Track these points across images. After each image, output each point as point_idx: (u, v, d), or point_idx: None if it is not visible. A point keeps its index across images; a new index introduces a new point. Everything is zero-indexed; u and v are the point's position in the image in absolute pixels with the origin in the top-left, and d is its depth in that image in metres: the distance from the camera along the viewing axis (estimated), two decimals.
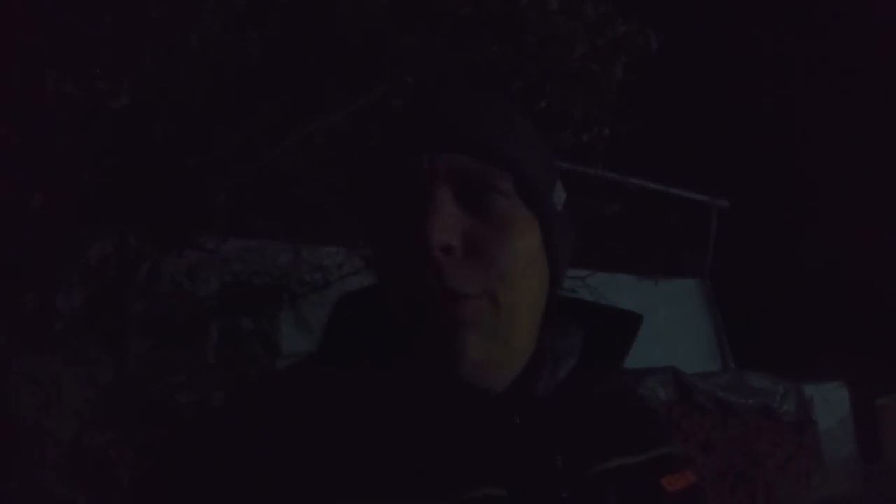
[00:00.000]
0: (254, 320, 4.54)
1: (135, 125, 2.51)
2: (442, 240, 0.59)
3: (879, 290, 7.12)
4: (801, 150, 7.51)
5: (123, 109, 2.37)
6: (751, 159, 7.59)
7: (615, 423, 0.71)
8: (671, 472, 0.71)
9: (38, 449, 2.26)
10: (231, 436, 0.61)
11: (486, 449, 0.61)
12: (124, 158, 2.59)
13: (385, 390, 0.63)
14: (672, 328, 5.54)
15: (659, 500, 0.68)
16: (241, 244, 4.36)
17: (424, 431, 0.61)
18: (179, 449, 0.67)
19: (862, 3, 7.38)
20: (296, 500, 0.57)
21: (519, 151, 0.65)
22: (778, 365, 5.15)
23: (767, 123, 7.80)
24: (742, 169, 7.31)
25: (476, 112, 0.65)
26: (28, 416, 2.16)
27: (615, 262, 5.01)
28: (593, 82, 4.33)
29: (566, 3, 4.03)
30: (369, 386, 0.63)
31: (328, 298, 4.70)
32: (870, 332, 7.23)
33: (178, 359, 3.47)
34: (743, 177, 7.11)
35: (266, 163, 3.26)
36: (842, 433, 5.25)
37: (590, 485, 0.64)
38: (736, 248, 6.62)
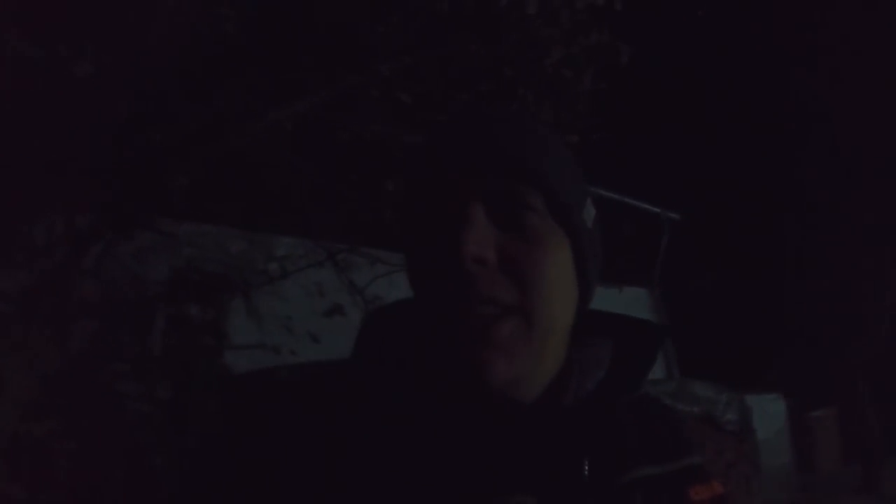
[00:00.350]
0: (203, 309, 4.36)
1: (97, 95, 2.35)
2: (475, 252, 0.60)
3: (818, 308, 7.51)
4: (751, 168, 7.83)
5: (86, 78, 2.21)
6: (703, 174, 7.86)
7: (643, 433, 0.72)
8: (699, 483, 0.72)
9: None
10: (261, 444, 0.62)
11: (515, 458, 0.62)
12: (82, 130, 2.42)
13: (417, 402, 0.64)
14: None
15: None
16: (195, 228, 4.17)
17: (455, 441, 0.62)
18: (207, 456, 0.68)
19: (822, 23, 7.75)
20: None
21: (550, 170, 0.66)
22: (719, 375, 5.34)
23: (719, 140, 8.10)
24: (694, 183, 7.56)
25: (508, 132, 0.67)
26: None
27: None
28: (565, 88, 4.36)
29: (544, 8, 4.04)
30: (402, 397, 0.64)
31: (285, 290, 4.56)
32: (808, 346, 7.60)
33: (123, 346, 3.29)
34: (695, 191, 7.36)
35: (232, 146, 3.12)
36: (779, 443, 5.49)
37: (617, 494, 0.66)
38: (685, 260, 6.84)
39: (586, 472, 0.65)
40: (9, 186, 2.21)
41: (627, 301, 6.43)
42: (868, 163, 7.51)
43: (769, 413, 5.54)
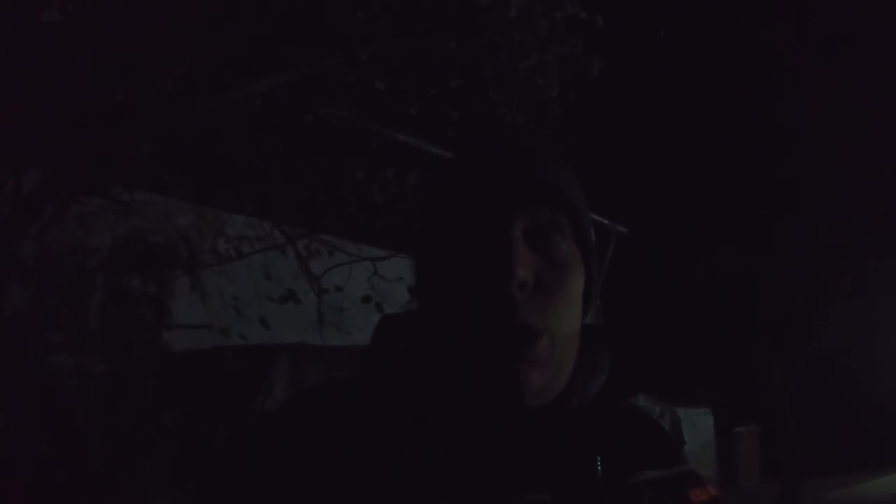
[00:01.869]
0: (145, 282, 4.16)
1: (60, 45, 2.19)
2: (520, 276, 0.64)
3: (746, 326, 7.84)
4: (695, 187, 8.10)
5: (52, 24, 2.05)
6: (652, 190, 8.09)
7: (643, 438, 0.77)
8: (697, 486, 0.77)
9: None
10: (281, 452, 0.64)
11: (530, 459, 0.66)
12: (41, 84, 2.25)
13: (437, 409, 0.67)
14: None
15: None
16: (145, 197, 3.96)
17: (472, 444, 0.65)
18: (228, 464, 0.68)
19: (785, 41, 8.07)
20: None
21: (577, 198, 0.71)
22: (652, 387, 5.50)
23: (669, 156, 8.34)
24: (643, 199, 7.77)
25: (548, 160, 0.71)
26: None
27: None
28: (535, 95, 4.39)
29: (524, 14, 4.05)
30: (422, 405, 0.67)
31: (234, 271, 4.40)
32: (735, 364, 7.92)
33: (59, 315, 3.10)
34: (643, 206, 7.56)
35: (198, 114, 2.98)
36: (705, 455, 5.68)
37: (626, 493, 0.70)
38: (627, 274, 7.02)
39: (599, 472, 0.68)
40: None
41: None
42: (810, 187, 7.89)
43: (697, 426, 5.74)
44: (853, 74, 7.82)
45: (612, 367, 0.76)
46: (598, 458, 0.69)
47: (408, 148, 4.25)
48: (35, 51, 2.07)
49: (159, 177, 3.75)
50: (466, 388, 0.67)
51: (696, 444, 5.70)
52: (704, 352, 7.76)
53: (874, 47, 7.77)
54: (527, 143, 0.73)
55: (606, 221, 7.24)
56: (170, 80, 2.75)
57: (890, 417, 10.67)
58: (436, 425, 0.66)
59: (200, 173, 3.93)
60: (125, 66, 2.55)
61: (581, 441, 0.69)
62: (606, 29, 4.29)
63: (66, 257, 3.25)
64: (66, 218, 3.04)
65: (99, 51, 2.41)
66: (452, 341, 0.67)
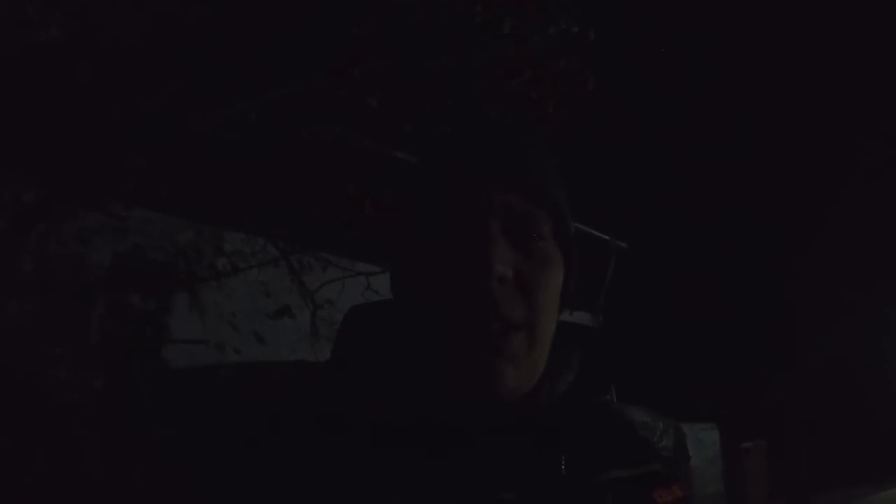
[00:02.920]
0: (144, 299, 4.19)
1: (60, 63, 2.25)
2: (501, 270, 0.63)
3: (753, 341, 7.80)
4: (697, 204, 8.14)
5: (52, 43, 2.11)
6: (654, 207, 8.12)
7: (609, 437, 0.76)
8: (661, 487, 0.76)
9: None
10: (248, 441, 0.64)
11: (494, 456, 0.65)
12: (41, 100, 2.31)
13: (400, 400, 0.66)
14: None
15: None
16: (144, 214, 4.02)
17: (438, 440, 0.64)
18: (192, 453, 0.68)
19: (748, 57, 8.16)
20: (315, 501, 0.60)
21: (560, 196, 0.70)
22: (656, 402, 5.46)
23: (672, 174, 8.39)
24: (644, 213, 7.81)
25: (529, 153, 0.70)
26: None
27: None
28: (530, 109, 4.42)
29: (517, 29, 4.11)
30: (385, 395, 0.66)
31: (231, 287, 4.44)
32: (742, 379, 7.87)
33: (58, 330, 3.12)
34: (644, 223, 7.59)
35: (194, 131, 3.04)
36: (711, 472, 5.62)
37: (591, 493, 0.69)
38: (630, 289, 7.02)
39: (563, 470, 0.67)
40: None
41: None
42: (808, 202, 7.91)
43: (703, 442, 5.68)
44: None
45: (581, 365, 0.75)
46: (563, 457, 0.68)
47: (403, 164, 4.30)
48: (34, 68, 2.13)
49: (156, 192, 3.81)
50: (437, 382, 0.65)
51: (702, 460, 5.63)
52: (709, 366, 7.73)
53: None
54: (511, 136, 0.71)
55: (607, 237, 7.26)
56: (166, 96, 2.82)
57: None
58: (402, 419, 0.64)
59: (198, 190, 3.98)
60: (121, 82, 2.61)
61: (546, 440, 0.68)
62: (600, 44, 4.35)
63: (65, 272, 3.29)
64: (64, 233, 3.09)
65: (96, 67, 2.47)
66: (427, 334, 0.66)
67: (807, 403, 7.95)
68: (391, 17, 3.68)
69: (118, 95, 2.66)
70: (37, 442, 2.68)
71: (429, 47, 3.88)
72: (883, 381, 10.59)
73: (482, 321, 0.63)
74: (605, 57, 4.57)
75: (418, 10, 3.79)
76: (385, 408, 0.65)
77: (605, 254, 6.75)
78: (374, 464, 0.61)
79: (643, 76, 7.96)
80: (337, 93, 3.57)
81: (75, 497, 2.67)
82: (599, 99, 4.80)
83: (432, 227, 0.67)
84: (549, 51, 4.23)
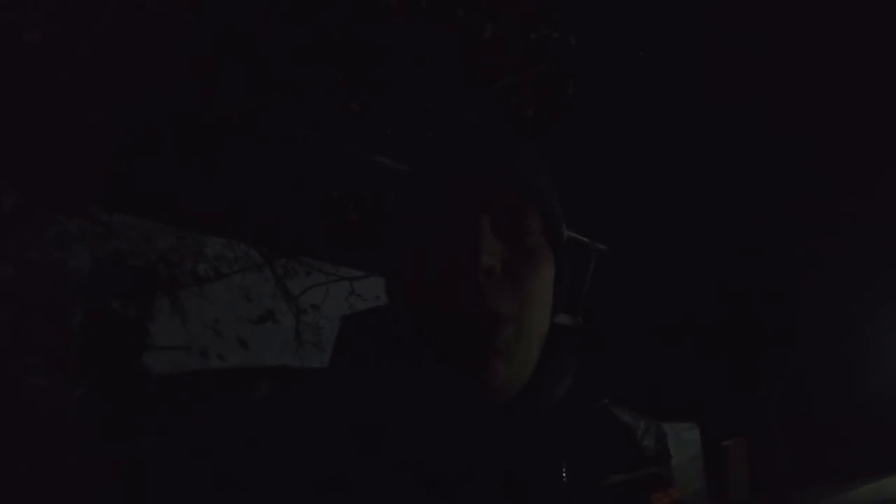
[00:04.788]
0: (125, 304, 4.15)
1: (41, 66, 2.23)
2: (488, 262, 0.63)
3: (732, 339, 7.91)
4: (674, 200, 8.24)
5: (33, 46, 2.10)
6: (633, 207, 8.22)
7: (608, 442, 0.77)
8: (659, 490, 0.77)
9: None
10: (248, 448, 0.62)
11: (495, 460, 0.64)
12: (20, 102, 2.29)
13: (399, 406, 0.65)
14: None
15: None
16: (125, 220, 3.98)
17: (437, 444, 0.63)
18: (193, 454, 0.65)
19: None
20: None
21: (549, 194, 0.70)
22: (637, 402, 5.51)
23: (649, 169, 8.49)
24: (624, 216, 7.90)
25: (518, 150, 0.70)
26: None
27: None
28: (510, 115, 4.46)
29: (498, 35, 4.14)
30: (384, 402, 0.65)
31: (214, 292, 4.41)
32: (722, 377, 7.96)
33: (38, 337, 3.09)
34: (624, 223, 7.68)
35: (177, 135, 3.02)
36: (692, 470, 5.67)
37: (591, 498, 0.69)
38: (610, 291, 7.08)
39: (564, 476, 0.67)
40: None
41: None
42: (788, 192, 8.04)
43: (684, 441, 5.74)
44: None
45: (579, 369, 0.75)
46: (564, 464, 0.67)
47: (384, 168, 4.32)
48: (14, 71, 2.12)
49: (137, 197, 3.78)
50: (431, 381, 0.64)
51: (683, 458, 5.69)
52: (690, 365, 7.82)
53: None
54: (499, 134, 0.71)
55: (586, 239, 7.32)
56: (147, 99, 2.80)
57: (875, 424, 10.74)
58: (400, 426, 0.64)
59: (179, 193, 3.96)
60: (103, 85, 2.59)
61: (547, 446, 0.67)
62: (581, 48, 4.40)
63: (45, 279, 3.25)
64: (45, 238, 3.06)
65: (77, 70, 2.45)
66: (418, 332, 0.65)
67: (787, 401, 8.07)
68: (373, 21, 3.69)
69: (99, 99, 2.64)
70: (18, 449, 2.64)
71: (410, 52, 3.90)
72: (865, 378, 10.77)
73: (470, 313, 0.63)
74: (586, 61, 4.63)
75: (399, 15, 3.81)
76: (379, 414, 0.64)
77: (584, 256, 6.81)
78: (368, 471, 0.61)
79: (623, 79, 8.07)
80: (320, 97, 3.58)
81: None
82: (579, 102, 4.85)
83: (422, 225, 0.67)
84: (529, 56, 4.27)
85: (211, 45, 3.07)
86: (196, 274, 4.45)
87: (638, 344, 7.60)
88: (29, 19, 2.03)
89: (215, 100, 3.16)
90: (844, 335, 8.63)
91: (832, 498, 9.07)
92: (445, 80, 4.13)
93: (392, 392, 0.65)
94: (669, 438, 5.32)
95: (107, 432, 3.05)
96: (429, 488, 0.61)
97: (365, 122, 3.76)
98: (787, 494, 7.85)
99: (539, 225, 0.68)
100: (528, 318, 0.66)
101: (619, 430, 0.69)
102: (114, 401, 3.31)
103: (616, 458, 0.64)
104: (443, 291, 0.63)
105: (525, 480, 0.64)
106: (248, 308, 4.51)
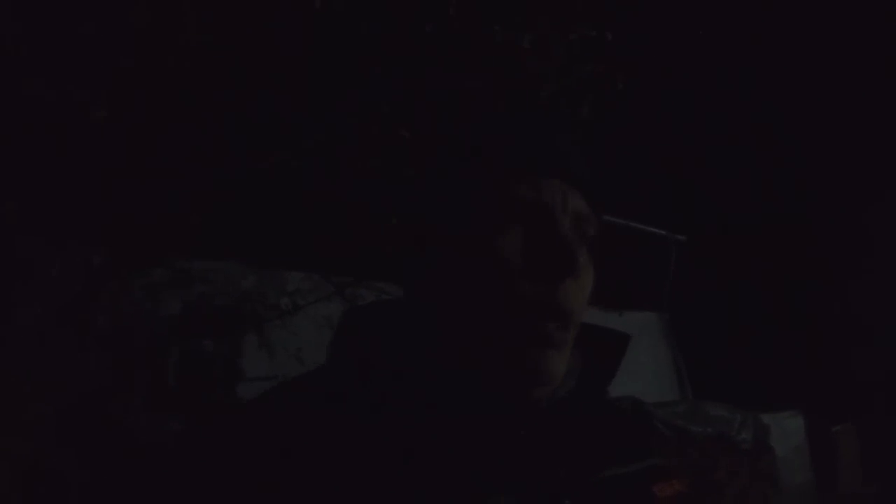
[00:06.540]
0: (216, 343, 4.45)
1: (110, 136, 2.49)
2: (581, 265, 0.67)
3: (835, 320, 7.40)
4: (754, 183, 7.86)
5: (100, 122, 2.35)
6: (707, 194, 7.91)
7: (609, 435, 0.77)
8: (661, 480, 0.77)
9: None
10: (250, 447, 0.63)
11: (494, 460, 0.65)
12: (95, 170, 2.56)
13: (400, 403, 0.66)
14: (629, 359, 5.66)
15: None
16: (206, 265, 4.29)
17: (437, 443, 0.63)
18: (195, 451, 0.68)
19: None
20: None
21: (598, 189, 0.73)
22: (736, 394, 5.28)
23: (727, 159, 8.15)
24: (701, 204, 7.61)
25: (585, 158, 0.73)
26: None
27: None
28: (564, 118, 4.43)
29: (537, 43, 4.15)
30: (384, 398, 0.66)
31: (296, 323, 4.65)
32: (826, 361, 7.46)
33: (136, 379, 3.38)
34: (703, 214, 7.40)
35: (243, 181, 3.25)
36: (798, 461, 5.33)
37: (590, 492, 0.70)
38: (695, 282, 6.84)
39: (562, 473, 0.68)
40: (28, 222, 2.34)
41: (637, 325, 6.42)
42: (877, 172, 7.51)
43: (787, 430, 5.41)
44: None
45: (584, 365, 0.76)
46: (562, 461, 0.68)
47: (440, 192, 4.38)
48: (86, 144, 2.38)
49: (217, 244, 4.07)
50: (478, 378, 0.65)
51: (787, 448, 5.34)
52: (789, 350, 7.37)
53: None
54: (570, 139, 0.73)
55: (663, 232, 7.12)
56: (214, 157, 3.03)
57: None
58: (401, 422, 0.64)
59: (253, 236, 4.22)
60: (167, 149, 2.84)
61: (546, 444, 0.68)
62: (622, 43, 4.33)
63: (139, 326, 3.55)
64: (135, 289, 3.36)
65: (140, 140, 2.71)
66: (477, 330, 0.65)
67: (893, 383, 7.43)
68: (410, 50, 3.80)
69: (166, 163, 2.89)
70: (121, 479, 2.91)
71: (453, 78, 3.97)
72: None
73: (546, 312, 0.65)
74: (631, 55, 4.56)
75: (434, 41, 3.89)
76: (379, 411, 0.64)
77: (664, 250, 6.62)
78: (365, 471, 0.60)
79: (672, 70, 7.84)
80: (369, 129, 3.72)
81: None
82: (631, 97, 4.76)
83: (497, 223, 0.67)
84: (572, 58, 4.26)
85: (267, 90, 3.27)
86: (278, 308, 4.70)
87: (730, 333, 7.26)
88: (95, 98, 2.28)
89: (268, 144, 3.37)
90: None
91: None
92: (491, 95, 4.17)
93: (389, 393, 0.66)
94: (772, 429, 5.05)
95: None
96: (422, 488, 0.61)
97: (415, 148, 3.85)
98: None
99: (595, 231, 0.70)
100: (582, 315, 0.69)
101: (620, 421, 0.69)
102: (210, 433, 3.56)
103: (616, 449, 0.64)
104: (520, 290, 0.64)
105: (521, 479, 0.65)
106: (327, 335, 4.70)
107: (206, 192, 3.14)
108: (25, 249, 2.35)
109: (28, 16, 2.08)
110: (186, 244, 3.56)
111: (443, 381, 0.66)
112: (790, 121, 7.96)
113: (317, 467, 0.61)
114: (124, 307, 3.17)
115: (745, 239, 7.80)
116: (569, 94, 4.37)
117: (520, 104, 4.28)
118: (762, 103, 8.13)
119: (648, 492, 0.75)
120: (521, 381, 0.66)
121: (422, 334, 0.68)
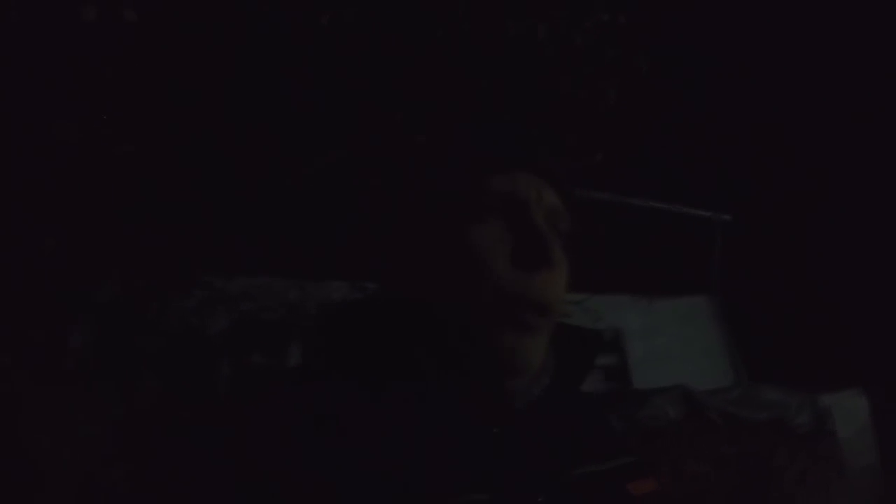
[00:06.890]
0: (263, 356, 4.61)
1: (140, 167, 2.63)
2: (557, 257, 0.70)
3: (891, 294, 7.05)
4: (803, 163, 7.57)
5: (127, 156, 2.48)
6: (754, 173, 7.67)
7: (584, 433, 0.79)
8: (636, 479, 0.78)
9: (52, 485, 2.32)
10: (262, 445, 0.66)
11: (468, 458, 0.66)
12: (131, 199, 2.71)
13: (374, 401, 0.67)
14: (680, 346, 5.53)
15: (625, 502, 0.75)
16: (248, 281, 4.44)
17: (411, 440, 0.65)
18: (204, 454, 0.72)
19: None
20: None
21: (570, 185, 0.77)
22: (795, 376, 5.09)
23: (770, 137, 7.88)
24: (746, 183, 7.39)
25: (541, 147, 0.77)
26: (42, 453, 2.23)
27: (615, 284, 5.05)
28: (583, 109, 4.39)
29: (553, 33, 4.13)
30: (359, 396, 0.68)
31: None
32: (887, 334, 7.11)
33: (187, 396, 3.53)
34: (747, 190, 7.18)
35: (277, 197, 3.36)
36: (862, 443, 5.08)
37: (564, 489, 0.70)
38: (744, 262, 6.63)
39: (536, 470, 0.69)
40: (71, 252, 2.50)
41: (687, 311, 6.26)
42: None
43: (849, 410, 5.16)
44: None
45: (558, 364, 0.76)
46: (536, 459, 0.69)
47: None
48: (113, 179, 2.53)
49: (258, 260, 4.22)
50: (462, 370, 0.67)
51: (850, 430, 5.09)
52: (849, 326, 7.05)
53: None
54: (540, 141, 0.80)
55: (707, 213, 6.93)
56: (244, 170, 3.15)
57: None
58: (376, 419, 0.65)
59: (294, 249, 4.35)
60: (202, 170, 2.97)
61: (520, 442, 0.69)
62: (636, 26, 4.27)
63: (189, 345, 3.71)
64: (180, 310, 3.53)
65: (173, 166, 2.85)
66: (464, 321, 0.67)
67: None
68: (426, 57, 3.85)
69: (197, 183, 3.03)
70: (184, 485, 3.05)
71: (472, 73, 3.99)
72: None
73: (527, 302, 0.67)
74: (650, 37, 4.48)
75: (448, 45, 3.92)
76: (354, 409, 0.66)
77: (708, 231, 6.44)
78: (339, 468, 0.61)
79: (702, 46, 7.61)
80: (386, 136, 3.79)
81: None
82: (655, 78, 4.68)
83: (475, 212, 0.70)
84: (589, 45, 4.22)
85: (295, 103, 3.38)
86: None
87: (786, 311, 7.00)
88: (120, 134, 2.42)
89: (297, 163, 3.48)
90: None
91: None
92: (511, 90, 4.17)
93: (365, 391, 0.67)
94: (833, 410, 4.83)
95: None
96: (399, 483, 0.61)
97: (431, 154, 3.88)
98: None
99: (569, 226, 0.74)
100: (560, 308, 0.71)
101: (595, 420, 0.69)
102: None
103: (591, 447, 0.64)
104: (501, 280, 0.67)
105: (495, 477, 0.66)
106: None
107: (237, 210, 3.27)
108: (72, 282, 2.51)
109: (52, 59, 2.23)
110: (222, 263, 3.71)
111: (418, 376, 0.68)
112: (831, 94, 7.64)
113: (305, 461, 0.62)
114: (172, 328, 3.33)
115: (796, 214, 7.51)
116: (591, 82, 4.33)
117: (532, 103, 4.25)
118: (806, 74, 7.82)
119: (623, 489, 0.75)
120: (497, 367, 0.67)
121: (397, 328, 0.70)
